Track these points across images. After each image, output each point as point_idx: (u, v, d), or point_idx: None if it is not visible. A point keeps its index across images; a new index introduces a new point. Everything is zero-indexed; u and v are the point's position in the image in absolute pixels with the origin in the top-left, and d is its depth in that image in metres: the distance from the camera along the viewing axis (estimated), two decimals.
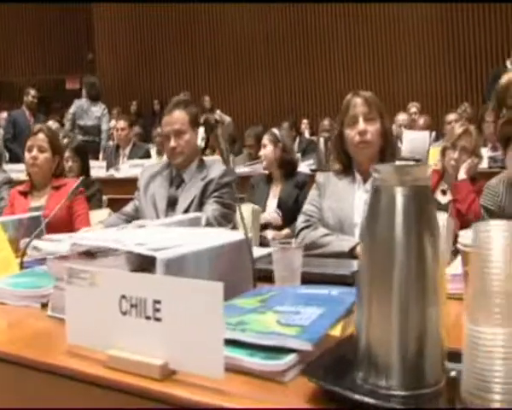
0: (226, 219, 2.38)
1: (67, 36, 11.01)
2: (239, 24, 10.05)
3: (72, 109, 6.81)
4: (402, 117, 6.13)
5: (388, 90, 9.29)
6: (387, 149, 2.05)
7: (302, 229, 1.99)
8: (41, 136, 2.90)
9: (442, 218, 2.08)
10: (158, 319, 0.78)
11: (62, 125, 8.33)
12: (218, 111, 10.05)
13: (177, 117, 2.51)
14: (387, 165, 0.73)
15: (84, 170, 4.15)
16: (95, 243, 1.04)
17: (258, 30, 9.98)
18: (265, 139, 3.50)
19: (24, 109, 6.93)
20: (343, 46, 9.58)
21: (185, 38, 10.33)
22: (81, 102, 6.89)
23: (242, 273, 1.10)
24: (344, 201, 1.99)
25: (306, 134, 8.74)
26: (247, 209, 2.58)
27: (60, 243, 1.27)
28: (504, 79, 3.47)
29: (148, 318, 0.79)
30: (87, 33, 10.62)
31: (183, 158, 2.46)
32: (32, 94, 6.72)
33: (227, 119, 9.96)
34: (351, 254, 1.80)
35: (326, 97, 9.57)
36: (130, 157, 5.69)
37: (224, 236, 1.12)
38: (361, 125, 1.99)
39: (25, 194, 2.93)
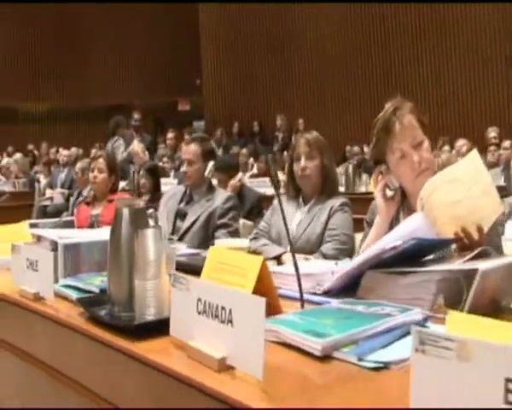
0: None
1: (179, 63, 12.30)
2: (330, 48, 10.63)
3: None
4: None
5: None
6: (327, 180, 2.59)
7: (251, 240, 2.59)
8: (101, 160, 3.76)
9: None
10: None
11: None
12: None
13: (192, 149, 3.21)
14: (122, 199, 1.35)
15: (156, 186, 5.02)
16: (40, 233, 1.77)
17: (349, 54, 10.47)
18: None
19: (131, 131, 8.08)
20: (430, 66, 9.77)
21: (282, 63, 11.12)
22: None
23: None
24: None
25: None
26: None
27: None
28: None
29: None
30: (196, 61, 11.80)
31: (191, 181, 3.15)
32: (135, 118, 7.83)
33: None
34: (277, 259, 2.37)
35: None
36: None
37: None
38: (302, 162, 2.54)
39: (88, 204, 3.80)
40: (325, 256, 2.35)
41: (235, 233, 3.00)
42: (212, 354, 0.95)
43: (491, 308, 1.38)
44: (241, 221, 3.22)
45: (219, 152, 10.49)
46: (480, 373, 0.66)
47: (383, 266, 1.48)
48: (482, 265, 1.32)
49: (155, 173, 5.06)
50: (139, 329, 1.15)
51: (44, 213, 7.30)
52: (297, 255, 2.29)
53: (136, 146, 6.57)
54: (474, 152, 1.62)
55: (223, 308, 0.95)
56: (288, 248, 2.47)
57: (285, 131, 10.77)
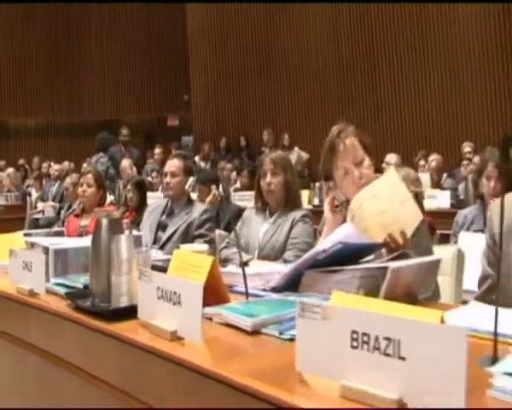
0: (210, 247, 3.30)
1: (168, 81, 12.66)
2: (315, 67, 11.02)
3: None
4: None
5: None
6: (290, 194, 2.90)
7: (222, 248, 2.91)
8: (89, 175, 4.07)
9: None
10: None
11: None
12: (296, 148, 11.06)
13: (176, 163, 3.53)
14: (101, 210, 1.66)
15: (142, 200, 5.30)
16: (33, 240, 2.07)
17: (333, 72, 10.87)
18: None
19: (120, 146, 8.38)
20: (410, 89, 10.16)
21: (269, 78, 11.48)
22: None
23: None
24: (253, 230, 2.87)
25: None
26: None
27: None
28: None
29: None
30: (184, 78, 12.17)
31: (172, 192, 3.46)
32: (123, 133, 8.14)
33: (304, 155, 10.92)
34: (244, 264, 2.67)
35: (391, 135, 10.19)
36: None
37: None
38: (268, 178, 2.86)
39: (77, 216, 4.11)
40: (286, 262, 2.65)
41: (211, 242, 3.30)
42: (166, 328, 1.26)
43: (409, 300, 1.68)
44: (217, 232, 3.52)
45: (207, 166, 10.83)
46: (335, 328, 0.97)
47: (323, 266, 1.79)
48: (394, 264, 1.64)
49: (142, 188, 5.36)
50: (114, 313, 1.46)
51: (36, 225, 7.56)
52: (262, 261, 2.63)
53: (124, 162, 6.90)
54: (392, 170, 1.95)
55: (174, 293, 1.26)
56: (256, 255, 2.80)
57: (271, 146, 11.09)
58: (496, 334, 1.14)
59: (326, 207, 2.25)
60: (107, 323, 1.45)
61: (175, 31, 12.57)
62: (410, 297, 1.72)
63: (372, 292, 1.64)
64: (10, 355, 1.91)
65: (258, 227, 2.88)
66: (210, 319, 1.43)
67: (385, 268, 1.62)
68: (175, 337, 1.26)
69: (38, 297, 1.77)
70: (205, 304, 1.42)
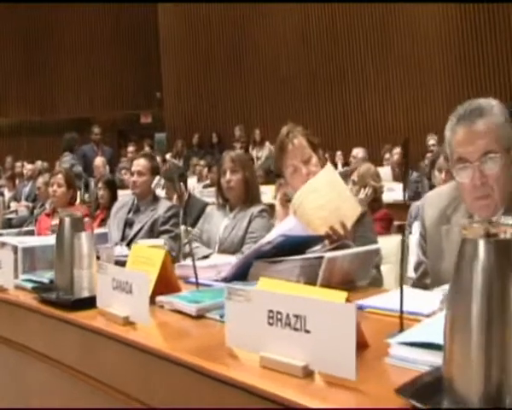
0: (175, 242, 3.49)
1: (140, 78, 12.73)
2: (285, 63, 11.24)
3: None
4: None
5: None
6: (249, 190, 3.08)
7: (186, 243, 3.08)
8: (59, 175, 4.20)
9: None
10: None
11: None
12: (267, 143, 11.24)
13: (142, 163, 3.70)
14: (64, 210, 1.82)
15: (113, 198, 5.43)
16: (3, 239, 2.22)
17: (302, 68, 11.09)
18: None
19: (92, 144, 8.48)
20: (376, 85, 10.43)
21: (240, 76, 11.66)
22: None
23: None
24: (214, 225, 3.05)
25: (339, 166, 9.71)
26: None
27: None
28: None
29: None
30: (156, 75, 12.26)
31: (139, 190, 3.62)
32: (95, 132, 8.24)
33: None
34: (205, 258, 2.85)
35: (359, 129, 10.47)
36: None
37: None
38: (227, 176, 3.04)
39: (49, 215, 4.24)
40: None
41: (176, 238, 3.48)
42: (120, 314, 1.44)
43: (347, 286, 1.87)
44: (182, 227, 3.69)
45: (180, 163, 10.95)
46: (256, 308, 1.15)
47: (269, 257, 1.97)
48: (329, 253, 1.83)
49: (113, 186, 5.51)
50: (75, 304, 1.62)
51: (10, 225, 7.61)
52: (221, 255, 2.81)
53: (98, 160, 7.03)
54: (329, 165, 2.14)
55: (127, 283, 1.44)
56: (216, 249, 2.97)
57: (243, 142, 11.26)
58: (401, 311, 1.33)
59: (277, 203, 2.43)
60: (69, 312, 1.61)
61: (147, 29, 12.65)
62: (348, 284, 1.91)
63: (312, 280, 1.84)
64: None
65: (218, 223, 3.05)
66: (162, 306, 1.60)
67: (322, 258, 1.81)
68: (127, 322, 1.43)
69: (7, 292, 1.93)
70: (158, 293, 1.61)
